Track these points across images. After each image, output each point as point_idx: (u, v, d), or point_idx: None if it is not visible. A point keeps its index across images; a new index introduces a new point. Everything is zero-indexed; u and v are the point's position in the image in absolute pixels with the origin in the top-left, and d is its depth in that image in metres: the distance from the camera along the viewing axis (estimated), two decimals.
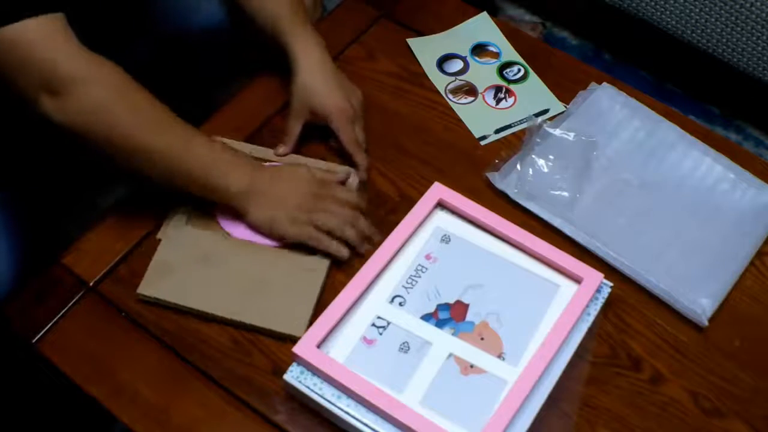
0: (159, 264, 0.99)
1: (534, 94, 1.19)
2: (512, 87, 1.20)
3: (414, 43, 1.24)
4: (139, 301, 0.98)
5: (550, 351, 0.88)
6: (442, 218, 1.00)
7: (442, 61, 1.23)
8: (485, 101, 1.18)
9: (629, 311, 1.00)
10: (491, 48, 1.25)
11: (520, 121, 1.16)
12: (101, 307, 0.98)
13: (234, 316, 0.96)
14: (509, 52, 1.24)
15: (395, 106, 1.18)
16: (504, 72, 1.22)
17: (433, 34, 1.26)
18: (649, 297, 1.01)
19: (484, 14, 1.28)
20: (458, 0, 1.33)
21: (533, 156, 1.10)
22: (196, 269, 0.99)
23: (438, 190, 1.00)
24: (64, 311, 0.97)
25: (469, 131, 1.15)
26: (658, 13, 1.62)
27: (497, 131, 1.15)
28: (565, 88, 1.19)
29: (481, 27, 1.27)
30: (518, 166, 1.09)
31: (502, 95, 1.19)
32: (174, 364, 0.94)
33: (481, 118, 1.16)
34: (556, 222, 1.05)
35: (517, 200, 1.07)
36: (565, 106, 1.17)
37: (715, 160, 1.12)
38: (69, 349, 0.95)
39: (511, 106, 1.18)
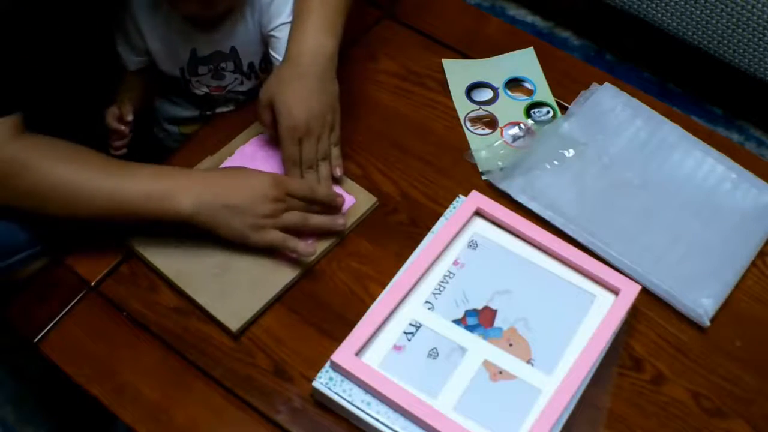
0: None
1: (554, 140, 1.12)
2: (535, 128, 1.14)
3: (448, 64, 1.21)
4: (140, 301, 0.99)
5: (589, 362, 0.89)
6: (480, 226, 1.00)
7: (472, 88, 1.19)
8: (502, 136, 1.14)
9: (631, 311, 0.99)
10: (527, 84, 1.20)
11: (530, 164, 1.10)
12: (103, 306, 0.98)
13: (186, 288, 0.97)
14: (544, 92, 1.19)
15: (396, 106, 1.18)
16: (532, 111, 1.17)
17: (471, 59, 1.22)
18: (651, 297, 1.01)
19: (530, 49, 1.24)
20: (459, 0, 1.33)
21: (535, 156, 1.10)
22: (177, 233, 0.99)
23: (476, 199, 1.00)
24: (65, 311, 0.97)
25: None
26: (660, 14, 1.62)
27: (502, 169, 1.10)
28: (567, 88, 1.19)
29: (523, 61, 1.23)
30: (520, 166, 1.09)
31: (522, 134, 1.14)
32: (175, 364, 0.95)
33: (492, 153, 1.11)
34: (558, 222, 1.05)
35: (519, 200, 1.07)
36: (567, 106, 1.17)
37: (716, 161, 1.12)
38: (70, 349, 0.95)
39: (526, 147, 1.12)
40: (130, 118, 1.11)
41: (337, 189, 1.06)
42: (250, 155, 1.08)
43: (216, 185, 0.96)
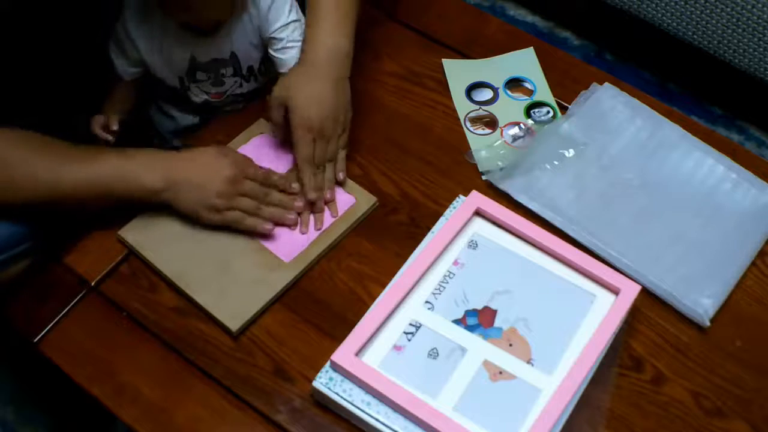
0: (149, 215, 1.02)
1: (554, 140, 1.12)
2: (535, 128, 1.14)
3: (448, 64, 1.21)
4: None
5: (589, 362, 0.89)
6: (480, 226, 1.00)
7: (472, 88, 1.19)
8: (502, 136, 1.14)
9: (631, 311, 0.99)
10: (527, 84, 1.20)
11: (530, 164, 1.10)
12: (103, 306, 0.98)
13: (185, 288, 0.98)
14: (544, 92, 1.19)
15: (397, 106, 1.18)
16: (532, 111, 1.17)
17: (471, 59, 1.22)
18: (651, 297, 1.01)
19: (530, 49, 1.24)
20: (459, 0, 1.33)
21: (535, 156, 1.10)
22: (177, 232, 1.01)
23: (476, 199, 1.00)
24: (65, 311, 0.97)
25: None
26: (660, 14, 1.62)
27: (502, 169, 1.10)
28: (567, 89, 1.19)
29: (523, 61, 1.22)
30: (520, 166, 1.09)
31: (522, 134, 1.14)
32: (175, 364, 0.95)
33: (492, 153, 1.11)
34: (558, 222, 1.05)
35: (519, 200, 1.07)
36: (567, 106, 1.17)
37: (716, 161, 1.12)
38: (70, 349, 0.95)
39: (526, 147, 1.12)
40: (115, 128, 1.11)
41: (337, 189, 1.06)
42: (250, 154, 1.08)
43: (179, 162, 0.99)
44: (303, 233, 1.03)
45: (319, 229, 1.04)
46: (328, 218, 1.05)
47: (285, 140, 1.08)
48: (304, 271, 1.01)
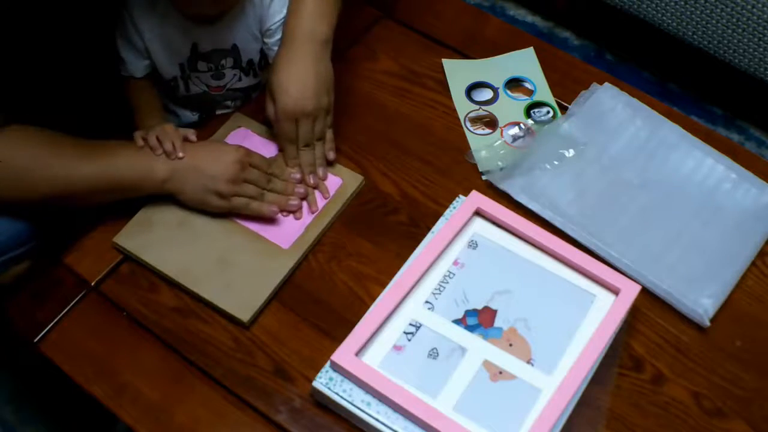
0: (141, 219, 1.02)
1: (554, 140, 1.12)
2: (535, 128, 1.14)
3: (448, 64, 1.22)
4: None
5: (589, 362, 0.89)
6: (480, 226, 1.00)
7: (472, 88, 1.19)
8: (502, 136, 1.14)
9: (631, 311, 0.99)
10: (527, 84, 1.20)
11: (530, 164, 1.10)
12: (103, 306, 0.98)
13: (191, 286, 0.98)
14: (544, 92, 1.19)
15: (396, 106, 1.18)
16: (532, 111, 1.17)
17: (471, 59, 1.23)
18: (651, 297, 1.01)
19: (530, 49, 1.24)
20: (459, 0, 1.33)
21: (535, 156, 1.10)
22: (172, 233, 1.01)
23: (476, 199, 1.00)
24: (65, 311, 0.97)
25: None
26: (660, 14, 1.62)
27: (502, 169, 1.10)
28: (568, 88, 1.19)
29: (523, 61, 1.22)
30: (520, 166, 1.09)
31: (522, 134, 1.14)
32: (176, 364, 0.95)
33: (492, 153, 1.11)
34: (558, 222, 1.05)
35: (519, 200, 1.07)
36: (567, 106, 1.17)
37: (716, 161, 1.12)
38: (70, 349, 0.95)
39: (526, 147, 1.12)
40: (194, 138, 1.07)
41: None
42: None
43: (187, 152, 1.00)
44: (297, 219, 1.04)
45: (313, 212, 1.05)
46: (320, 200, 1.06)
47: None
48: (305, 255, 1.02)
